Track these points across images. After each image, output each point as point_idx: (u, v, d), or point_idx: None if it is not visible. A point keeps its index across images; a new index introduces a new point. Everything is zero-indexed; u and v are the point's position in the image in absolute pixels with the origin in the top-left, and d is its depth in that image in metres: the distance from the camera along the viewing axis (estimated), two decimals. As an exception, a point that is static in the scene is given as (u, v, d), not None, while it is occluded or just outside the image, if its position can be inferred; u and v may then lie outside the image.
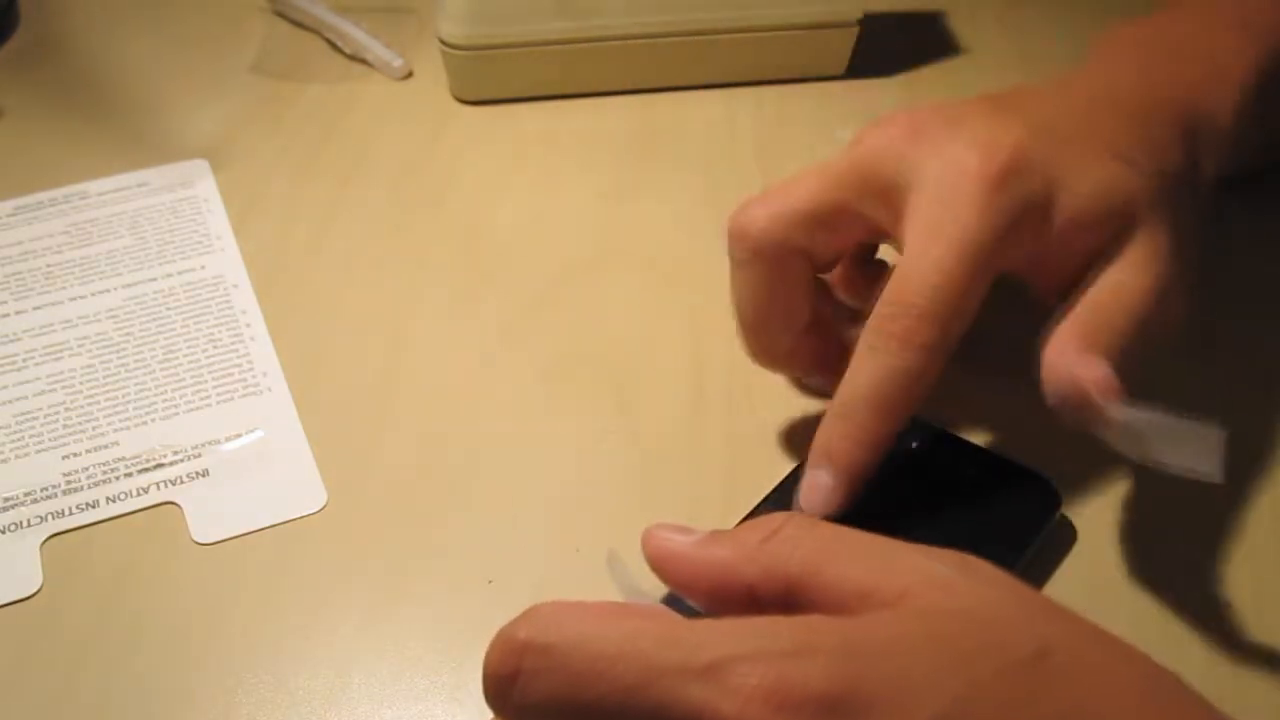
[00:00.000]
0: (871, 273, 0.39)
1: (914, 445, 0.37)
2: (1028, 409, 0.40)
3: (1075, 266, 0.35)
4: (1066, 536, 0.36)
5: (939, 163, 0.34)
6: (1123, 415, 0.30)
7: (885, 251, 0.39)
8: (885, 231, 0.36)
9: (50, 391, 0.41)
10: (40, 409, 0.41)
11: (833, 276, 0.39)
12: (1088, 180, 0.34)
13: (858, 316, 0.36)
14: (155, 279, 0.45)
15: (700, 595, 0.27)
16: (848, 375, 0.34)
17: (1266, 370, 0.41)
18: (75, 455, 0.39)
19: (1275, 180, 0.47)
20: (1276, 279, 0.45)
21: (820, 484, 0.34)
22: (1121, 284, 0.34)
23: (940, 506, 0.36)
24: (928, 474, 0.37)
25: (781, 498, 0.35)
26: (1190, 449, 0.30)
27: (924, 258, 0.33)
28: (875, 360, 0.33)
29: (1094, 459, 0.38)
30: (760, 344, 0.38)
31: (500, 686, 0.24)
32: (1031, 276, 0.36)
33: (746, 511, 0.36)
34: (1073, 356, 0.32)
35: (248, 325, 0.44)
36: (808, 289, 0.37)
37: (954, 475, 0.36)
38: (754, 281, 0.36)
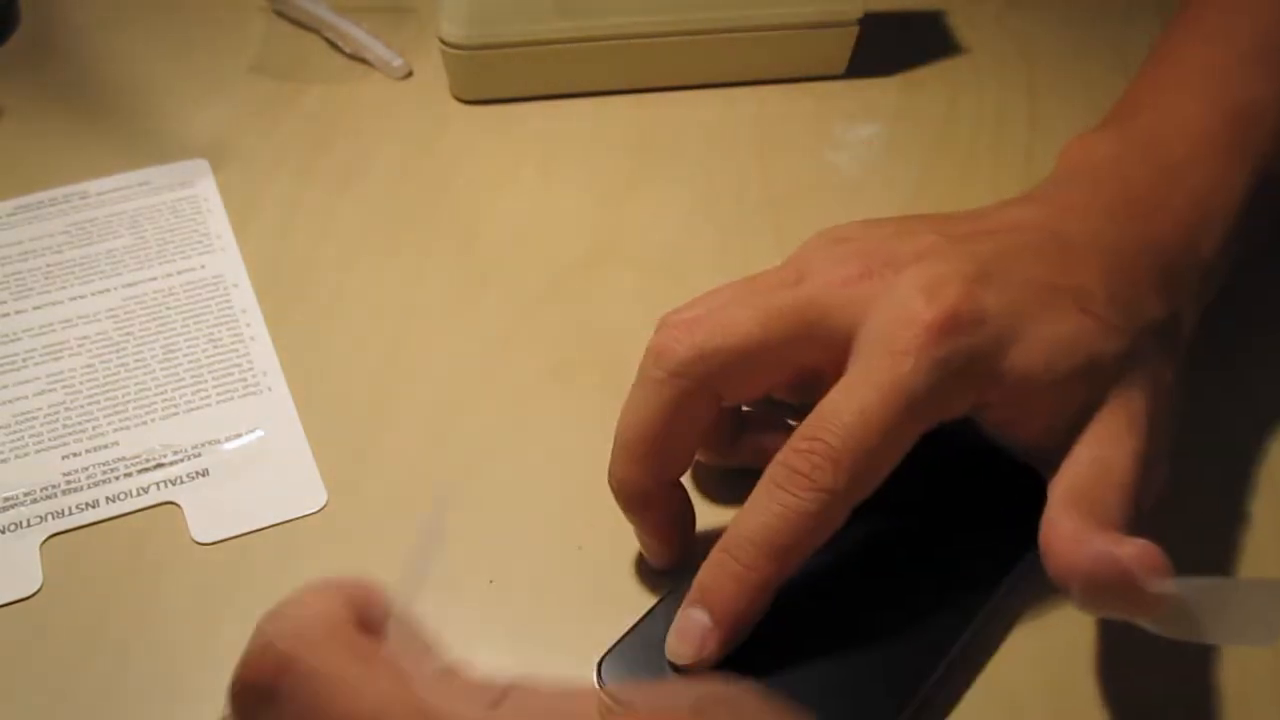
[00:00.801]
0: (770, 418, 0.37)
1: (914, 445, 0.37)
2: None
3: (1038, 429, 0.33)
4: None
5: (885, 304, 0.32)
6: (1174, 590, 0.28)
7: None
8: (815, 377, 0.33)
9: (50, 391, 0.41)
10: (40, 409, 0.41)
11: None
12: (1047, 336, 0.32)
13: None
14: (155, 278, 0.45)
15: None
16: (742, 511, 0.31)
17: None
18: (75, 455, 0.39)
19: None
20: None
21: (695, 625, 0.31)
22: (1103, 460, 0.32)
23: (940, 506, 0.36)
24: (926, 473, 0.37)
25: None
26: (1247, 617, 0.27)
27: (848, 398, 0.31)
28: (773, 498, 0.30)
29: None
30: (632, 472, 0.34)
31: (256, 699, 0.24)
32: (995, 428, 0.34)
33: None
34: (1098, 538, 0.29)
35: (248, 325, 0.44)
36: (702, 432, 0.34)
37: (954, 474, 0.36)
38: (655, 405, 0.33)
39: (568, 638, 0.34)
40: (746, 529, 0.31)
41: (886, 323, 0.31)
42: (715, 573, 0.31)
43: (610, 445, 0.39)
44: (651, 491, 0.34)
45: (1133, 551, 0.29)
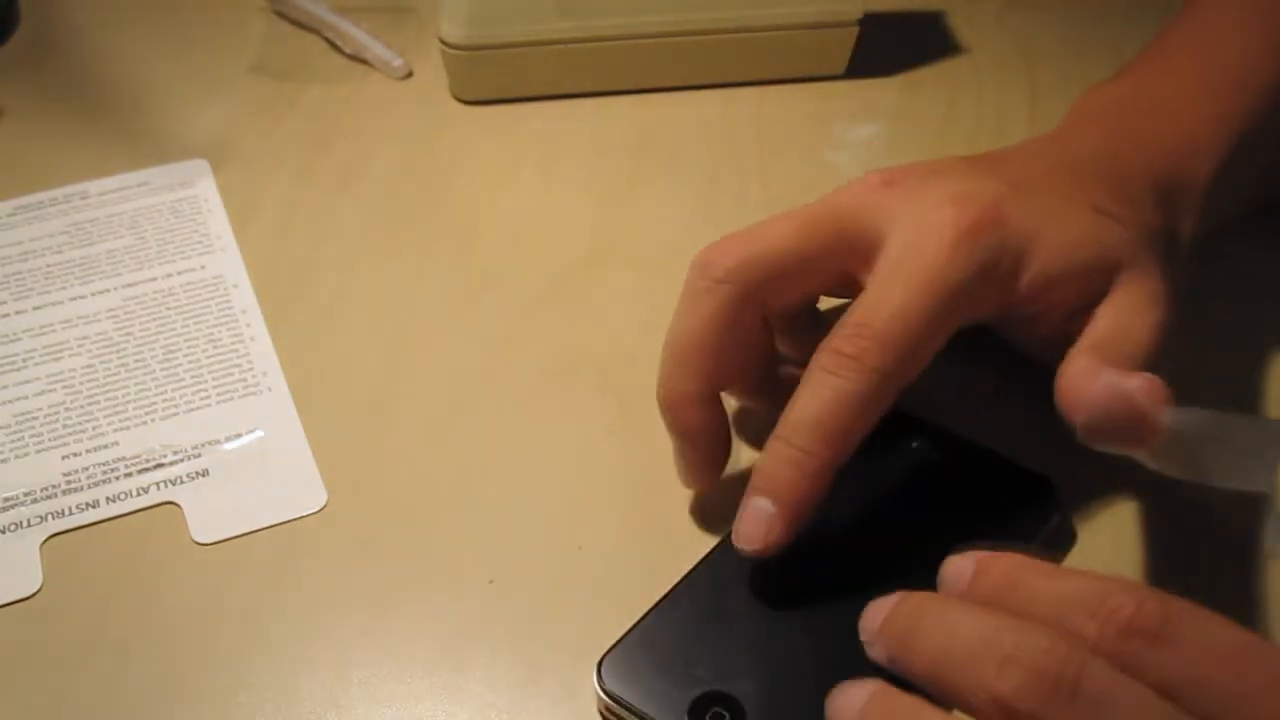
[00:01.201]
0: (813, 323, 0.38)
1: (914, 445, 0.37)
2: (1028, 409, 0.40)
3: (1057, 319, 0.35)
4: (1066, 536, 0.36)
5: (913, 210, 0.34)
6: (1177, 420, 0.29)
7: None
8: (852, 281, 0.35)
9: (50, 391, 0.41)
10: (40, 409, 0.41)
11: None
12: (1068, 232, 0.35)
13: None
14: (155, 279, 0.45)
15: None
16: (793, 400, 0.32)
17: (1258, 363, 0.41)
18: (75, 455, 0.39)
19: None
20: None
21: (760, 513, 0.32)
22: (1124, 324, 0.34)
23: (940, 506, 0.36)
24: (927, 473, 0.37)
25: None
26: (1245, 456, 0.28)
27: (888, 289, 0.33)
28: (826, 383, 0.32)
29: (1094, 459, 0.38)
30: (683, 381, 0.35)
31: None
32: (1012, 330, 0.37)
33: (744, 512, 0.36)
34: (1107, 372, 0.32)
35: (248, 325, 0.44)
36: (751, 342, 0.36)
37: (954, 475, 0.36)
38: (706, 315, 0.34)
39: (568, 638, 0.34)
40: (801, 415, 0.32)
41: (920, 226, 0.34)
42: (774, 460, 0.32)
43: (610, 444, 0.39)
44: (699, 402, 0.35)
45: (1139, 383, 0.31)
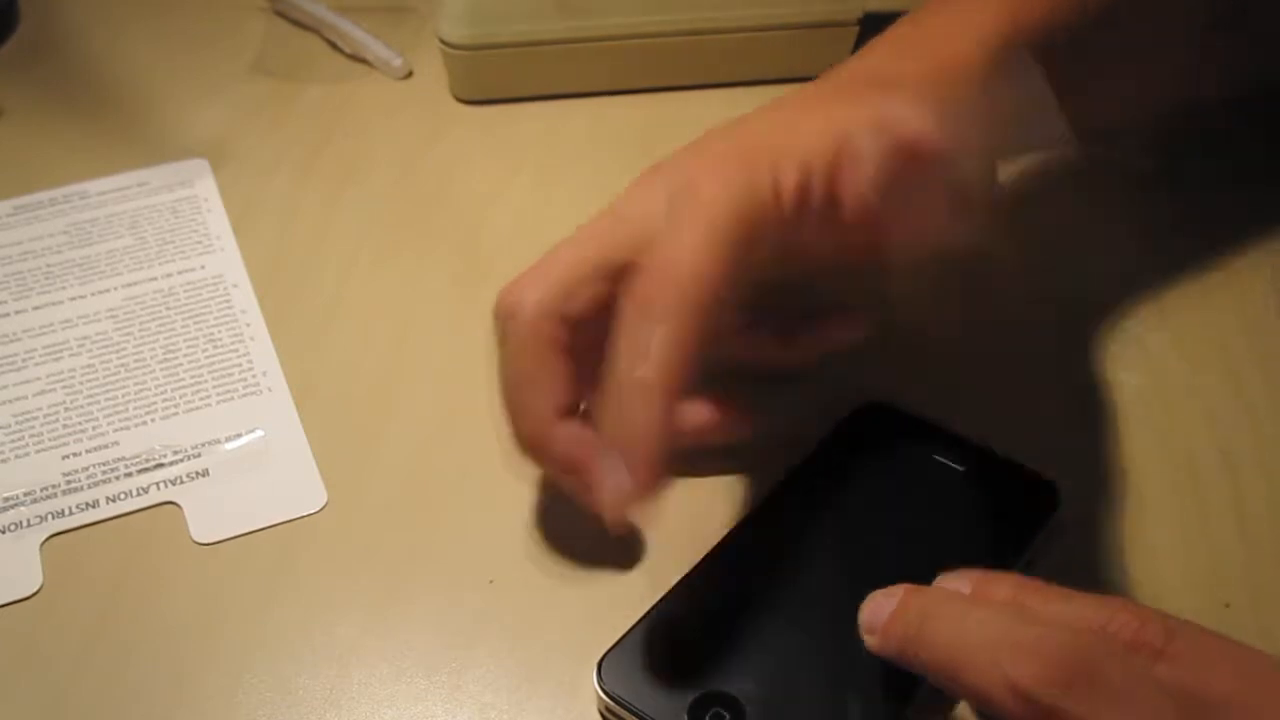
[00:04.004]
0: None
1: (914, 445, 0.37)
2: (1028, 409, 0.40)
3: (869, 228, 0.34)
4: (1067, 536, 0.36)
5: (678, 178, 0.34)
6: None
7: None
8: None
9: (50, 391, 0.41)
10: (40, 409, 0.41)
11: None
12: (812, 133, 0.34)
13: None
14: (155, 279, 0.45)
15: None
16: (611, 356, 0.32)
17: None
18: (75, 455, 0.39)
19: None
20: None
21: (615, 469, 0.31)
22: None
23: (941, 506, 0.36)
24: (928, 474, 0.37)
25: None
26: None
27: (670, 244, 0.32)
28: (640, 328, 0.31)
29: (1094, 459, 0.38)
30: (526, 427, 0.34)
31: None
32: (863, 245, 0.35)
33: (745, 513, 0.36)
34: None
35: (248, 325, 0.44)
36: (569, 363, 0.34)
37: (954, 475, 0.36)
38: (522, 357, 0.34)
39: (568, 638, 0.34)
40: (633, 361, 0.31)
41: (685, 183, 0.34)
42: (617, 408, 0.32)
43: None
44: (547, 429, 0.34)
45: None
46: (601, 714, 0.32)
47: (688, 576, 0.34)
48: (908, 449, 0.37)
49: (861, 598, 0.31)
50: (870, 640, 0.30)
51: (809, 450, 0.37)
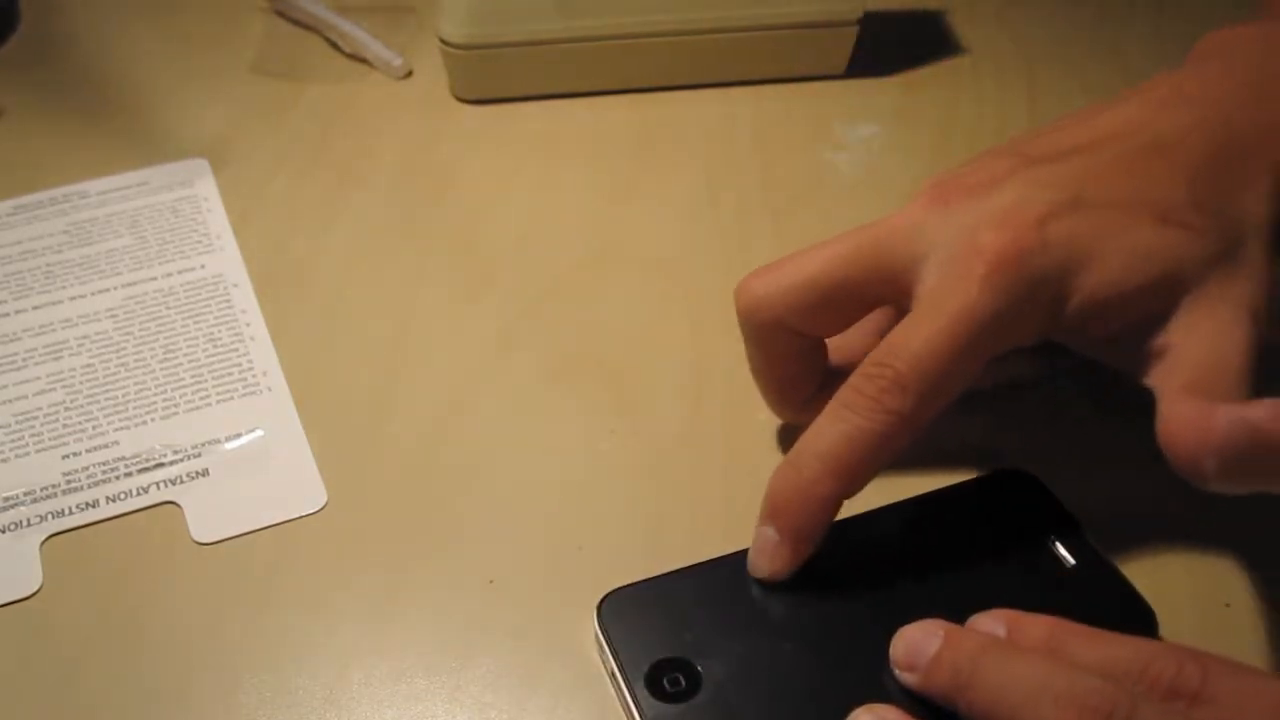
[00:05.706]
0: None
1: (1035, 524, 0.35)
2: (1029, 409, 0.40)
3: (1115, 335, 0.33)
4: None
5: (952, 235, 0.33)
6: None
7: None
8: (902, 307, 0.34)
9: (50, 391, 0.41)
10: (40, 408, 0.41)
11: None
12: (1122, 251, 0.32)
13: None
14: (155, 278, 0.45)
15: None
16: (812, 427, 0.32)
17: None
18: (75, 455, 0.39)
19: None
20: None
21: (766, 541, 0.33)
22: (1214, 351, 0.31)
23: (1030, 588, 0.34)
24: (1035, 555, 0.34)
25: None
26: None
27: (917, 326, 0.32)
28: (840, 418, 0.32)
29: (1094, 459, 0.38)
30: (777, 405, 0.38)
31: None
32: (1061, 338, 0.34)
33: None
34: (1222, 410, 0.29)
35: (248, 325, 0.44)
36: (808, 356, 0.37)
37: (1060, 567, 0.34)
38: (753, 352, 0.37)
39: (568, 638, 0.34)
40: (814, 445, 0.32)
41: (957, 252, 0.32)
42: (781, 485, 0.32)
43: (611, 445, 0.39)
44: (801, 403, 0.37)
45: (1264, 412, 0.28)
46: (595, 641, 0.33)
47: (723, 557, 0.34)
48: (1027, 524, 0.35)
49: (873, 625, 0.31)
50: (910, 678, 0.30)
51: (940, 493, 0.36)
